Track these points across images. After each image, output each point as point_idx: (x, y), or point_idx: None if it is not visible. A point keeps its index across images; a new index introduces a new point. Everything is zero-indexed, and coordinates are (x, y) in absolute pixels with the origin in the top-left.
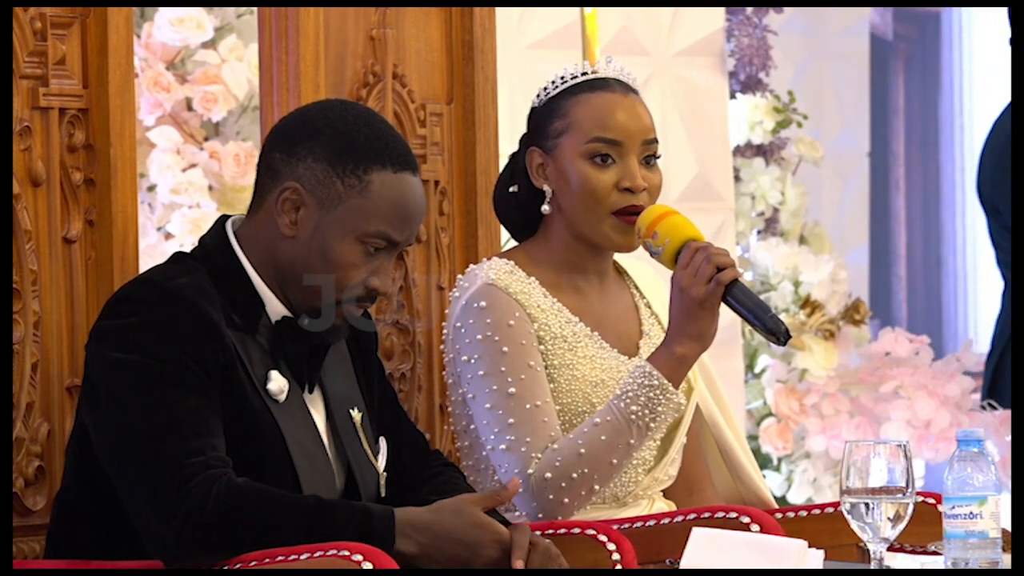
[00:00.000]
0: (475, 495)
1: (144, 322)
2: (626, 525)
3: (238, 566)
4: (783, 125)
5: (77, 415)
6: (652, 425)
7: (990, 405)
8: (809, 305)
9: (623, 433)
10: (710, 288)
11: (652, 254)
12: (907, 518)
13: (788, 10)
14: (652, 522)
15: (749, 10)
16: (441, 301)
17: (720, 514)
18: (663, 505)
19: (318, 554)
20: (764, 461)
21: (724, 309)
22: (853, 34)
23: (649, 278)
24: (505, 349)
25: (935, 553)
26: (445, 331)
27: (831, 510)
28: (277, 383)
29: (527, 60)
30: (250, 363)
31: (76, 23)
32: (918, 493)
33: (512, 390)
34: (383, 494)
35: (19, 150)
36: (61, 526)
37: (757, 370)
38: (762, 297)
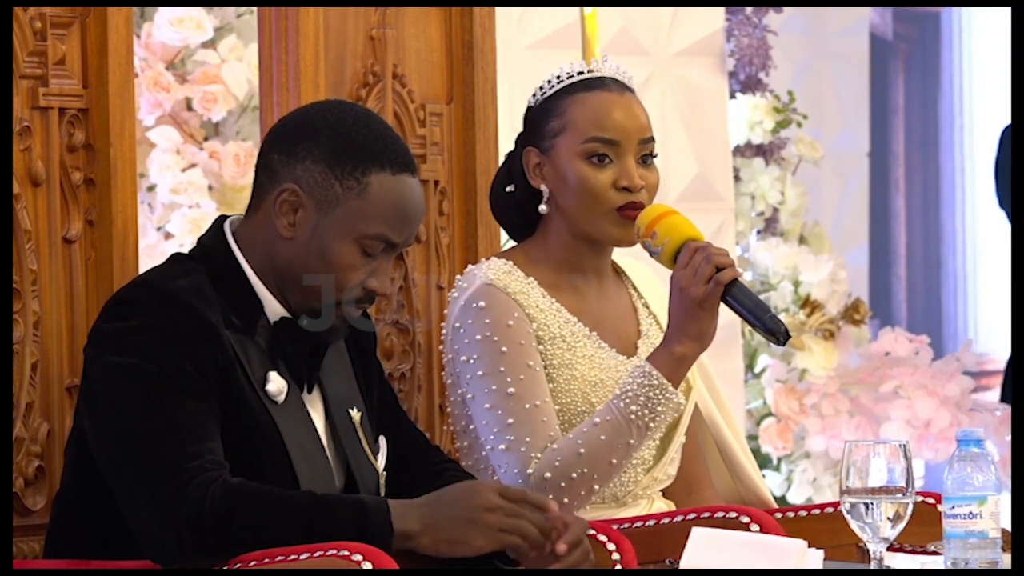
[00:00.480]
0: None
1: (142, 325)
2: (626, 525)
3: (238, 566)
4: (783, 125)
5: (76, 416)
6: (652, 425)
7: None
8: (809, 305)
9: (623, 433)
10: (709, 288)
11: (651, 254)
12: (907, 518)
13: (788, 10)
14: (652, 522)
15: (749, 10)
16: (441, 301)
17: (720, 514)
18: (662, 505)
19: (318, 554)
20: (764, 461)
21: (723, 309)
22: (853, 34)
23: (647, 278)
24: (504, 349)
25: (935, 553)
26: (444, 331)
27: (831, 510)
28: (276, 384)
29: (527, 60)
30: (249, 364)
31: (76, 23)
32: (918, 493)
33: (511, 390)
34: (383, 494)
35: (19, 150)
36: (60, 526)
37: (757, 370)
38: (762, 297)
